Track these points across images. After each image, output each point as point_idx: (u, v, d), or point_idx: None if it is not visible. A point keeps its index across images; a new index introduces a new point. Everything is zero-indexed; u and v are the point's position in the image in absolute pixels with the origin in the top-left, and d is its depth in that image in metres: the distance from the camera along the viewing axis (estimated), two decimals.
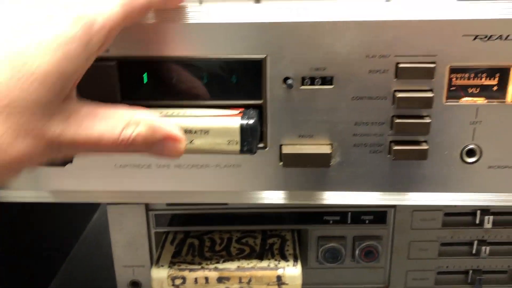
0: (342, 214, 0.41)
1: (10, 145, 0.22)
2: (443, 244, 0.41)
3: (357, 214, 0.40)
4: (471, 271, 0.42)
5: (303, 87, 0.31)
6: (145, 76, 0.31)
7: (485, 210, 0.40)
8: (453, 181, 0.32)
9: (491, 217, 0.40)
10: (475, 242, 0.41)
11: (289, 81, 0.31)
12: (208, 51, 0.30)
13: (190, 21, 0.30)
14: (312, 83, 0.31)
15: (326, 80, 0.31)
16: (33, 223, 0.49)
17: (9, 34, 0.22)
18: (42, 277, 0.50)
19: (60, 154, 0.24)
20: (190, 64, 0.31)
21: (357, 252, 0.41)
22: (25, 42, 0.22)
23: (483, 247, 0.41)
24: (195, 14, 0.30)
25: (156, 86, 0.31)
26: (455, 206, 0.40)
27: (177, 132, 0.26)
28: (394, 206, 0.40)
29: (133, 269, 0.42)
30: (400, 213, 0.40)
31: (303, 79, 0.31)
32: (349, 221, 0.41)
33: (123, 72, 0.31)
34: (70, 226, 0.58)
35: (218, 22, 0.30)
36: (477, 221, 0.40)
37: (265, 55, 0.30)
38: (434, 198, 0.33)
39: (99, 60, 0.26)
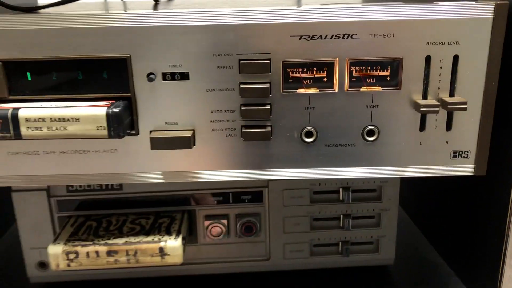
0: (225, 195, 0.46)
1: None
2: (315, 220, 0.47)
3: (238, 195, 0.46)
4: (341, 243, 0.48)
5: (164, 81, 0.37)
6: (28, 74, 0.36)
7: (346, 188, 0.46)
8: (296, 158, 0.39)
9: (351, 194, 0.46)
10: (341, 217, 0.47)
11: (151, 76, 0.36)
12: (81, 52, 0.36)
13: (64, 26, 0.35)
14: (173, 78, 0.37)
15: (184, 75, 0.37)
16: None
17: None
18: None
19: None
20: (67, 62, 0.36)
21: (238, 227, 0.46)
22: None
23: (348, 220, 0.47)
24: (67, 19, 0.35)
25: (39, 83, 0.37)
26: (319, 184, 0.46)
27: None
28: (267, 186, 0.46)
29: (39, 251, 0.47)
30: (273, 192, 0.46)
31: (164, 74, 0.36)
32: (231, 201, 0.46)
33: (9, 71, 0.36)
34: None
35: (87, 27, 0.35)
36: (341, 198, 0.47)
37: (129, 54, 0.36)
38: (283, 173, 0.39)
39: None
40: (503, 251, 0.41)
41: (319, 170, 0.39)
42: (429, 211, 0.58)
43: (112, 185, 0.46)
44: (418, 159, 0.39)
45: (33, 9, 0.39)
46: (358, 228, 0.48)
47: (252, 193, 0.46)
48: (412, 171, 0.39)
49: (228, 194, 0.46)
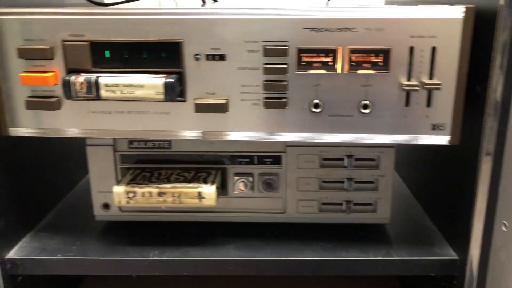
0: (251, 157, 0.57)
1: None
2: (323, 182, 0.58)
3: (261, 157, 0.57)
4: (344, 202, 0.58)
5: (207, 60, 0.48)
6: (107, 52, 0.49)
7: (350, 156, 0.56)
8: (306, 125, 0.49)
9: (354, 161, 0.56)
10: (345, 180, 0.57)
11: (198, 56, 0.48)
12: (147, 36, 0.48)
13: (135, 16, 0.47)
14: (214, 58, 0.48)
15: (222, 56, 0.48)
16: (46, 159, 0.66)
17: None
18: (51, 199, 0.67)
19: None
20: (135, 44, 0.48)
21: (260, 184, 0.57)
22: None
23: (350, 183, 0.57)
24: (137, 11, 0.47)
25: (115, 59, 0.49)
26: (327, 152, 0.56)
27: None
28: (285, 152, 0.57)
29: (105, 194, 0.59)
30: (289, 156, 0.57)
31: (207, 55, 0.48)
32: (255, 162, 0.58)
33: (94, 49, 0.49)
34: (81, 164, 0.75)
35: (152, 17, 0.47)
36: (345, 164, 0.57)
37: (182, 39, 0.48)
38: (296, 137, 0.50)
39: (78, 41, 0.45)
40: (473, 208, 0.50)
41: (324, 135, 0.49)
42: (421, 178, 0.67)
43: (163, 144, 0.58)
44: (403, 130, 0.49)
45: (111, 4, 0.52)
46: (359, 191, 0.58)
47: (273, 157, 0.57)
48: (398, 139, 0.49)
49: (253, 156, 0.57)
